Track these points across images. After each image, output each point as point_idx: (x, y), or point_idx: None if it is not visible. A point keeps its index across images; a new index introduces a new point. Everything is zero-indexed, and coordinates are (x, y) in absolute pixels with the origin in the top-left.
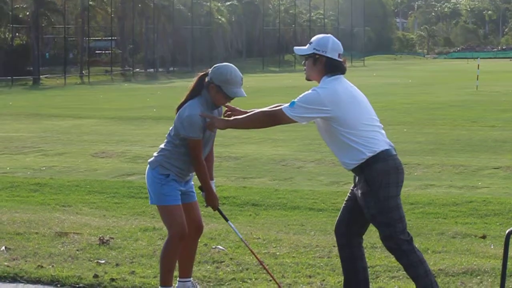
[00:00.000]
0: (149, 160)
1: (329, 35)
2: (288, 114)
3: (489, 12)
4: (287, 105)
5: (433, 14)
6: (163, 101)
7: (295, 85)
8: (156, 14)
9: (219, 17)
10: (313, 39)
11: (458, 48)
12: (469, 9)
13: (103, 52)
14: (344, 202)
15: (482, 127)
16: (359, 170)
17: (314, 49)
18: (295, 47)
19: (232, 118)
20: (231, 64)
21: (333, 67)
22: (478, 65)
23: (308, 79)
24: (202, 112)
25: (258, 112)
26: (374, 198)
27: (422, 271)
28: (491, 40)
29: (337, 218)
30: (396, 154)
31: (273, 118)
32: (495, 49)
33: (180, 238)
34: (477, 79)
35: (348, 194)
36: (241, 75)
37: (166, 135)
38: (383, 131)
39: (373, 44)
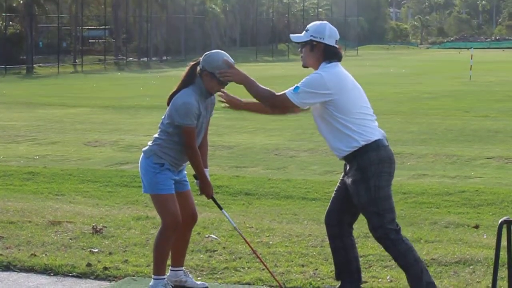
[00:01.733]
0: (143, 149)
1: (325, 22)
2: (292, 100)
3: (483, 2)
4: (291, 89)
5: (426, 4)
6: (156, 90)
7: (288, 74)
8: (150, 3)
9: (213, 6)
10: (309, 26)
11: (452, 38)
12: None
13: (97, 41)
14: (334, 192)
15: (475, 117)
16: (351, 158)
17: (311, 36)
18: (291, 35)
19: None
20: (221, 50)
21: (331, 54)
22: (472, 55)
23: (305, 66)
24: (196, 99)
25: (268, 90)
26: (365, 187)
27: (411, 259)
28: (484, 30)
29: (327, 208)
30: (389, 145)
31: (278, 99)
32: (488, 39)
33: (173, 228)
34: (471, 69)
35: (338, 183)
36: (232, 60)
37: (159, 125)
38: (376, 122)
39: (366, 33)
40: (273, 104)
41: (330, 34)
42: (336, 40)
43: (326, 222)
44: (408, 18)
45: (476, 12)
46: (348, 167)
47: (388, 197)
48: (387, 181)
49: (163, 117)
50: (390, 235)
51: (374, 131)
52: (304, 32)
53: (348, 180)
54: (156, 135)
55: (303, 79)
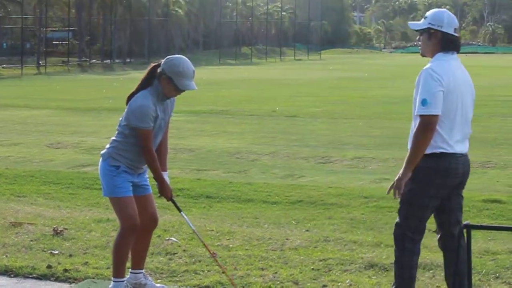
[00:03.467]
0: (101, 152)
1: (444, 9)
2: (432, 113)
3: (447, 6)
4: (420, 107)
5: (390, 8)
6: (119, 92)
7: (251, 78)
8: (114, 5)
9: (177, 9)
10: (428, 13)
11: (415, 43)
12: (426, 4)
13: (60, 42)
14: None
15: None
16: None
17: (429, 23)
18: (410, 22)
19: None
20: (183, 57)
21: (448, 42)
22: None
23: (423, 54)
24: (153, 102)
25: (415, 135)
26: (410, 186)
27: (406, 275)
28: None
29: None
30: (461, 157)
31: (427, 126)
32: None
33: (132, 231)
34: None
35: None
36: (193, 68)
37: (117, 126)
38: (461, 132)
39: (330, 37)
40: (429, 134)
41: (448, 21)
42: (455, 28)
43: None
44: (371, 22)
45: None
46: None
47: (422, 207)
48: (431, 191)
49: (120, 118)
50: (405, 241)
51: (448, 142)
52: (422, 19)
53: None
54: (113, 137)
55: (422, 89)
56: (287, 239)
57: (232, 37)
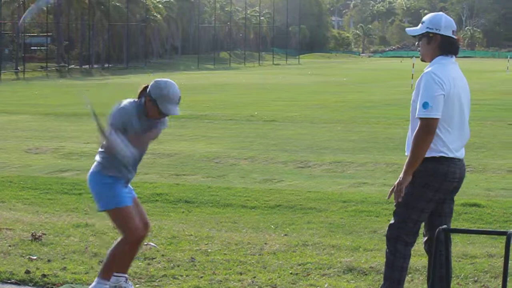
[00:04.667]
0: (92, 168)
1: (441, 12)
2: (433, 117)
3: (425, 11)
4: (421, 110)
5: (368, 12)
6: (97, 98)
7: (229, 82)
8: (92, 10)
9: (155, 14)
10: (425, 18)
11: (394, 47)
12: (405, 8)
13: (39, 48)
14: None
15: None
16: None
17: (427, 27)
18: (407, 28)
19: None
20: (171, 81)
21: (448, 45)
22: (414, 64)
23: (422, 59)
24: (136, 113)
25: (415, 139)
26: (410, 187)
27: (396, 277)
28: None
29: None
30: (458, 161)
31: (426, 131)
32: None
33: (137, 243)
34: (412, 78)
35: None
36: (179, 93)
37: None
38: (458, 134)
39: (308, 42)
40: (429, 137)
41: (446, 24)
42: (453, 31)
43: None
44: (350, 27)
45: (418, 21)
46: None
47: (421, 211)
48: (429, 195)
49: None
50: (398, 243)
51: (448, 146)
52: (420, 24)
53: None
54: (100, 149)
55: (423, 91)
56: (265, 243)
57: (210, 42)
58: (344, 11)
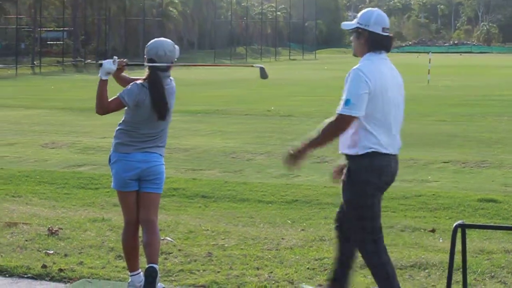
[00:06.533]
0: (158, 152)
1: (375, 8)
2: (352, 115)
3: (442, 6)
4: (343, 107)
5: (385, 8)
6: (114, 93)
7: (246, 77)
8: (109, 5)
9: (171, 9)
10: (359, 13)
11: (410, 43)
12: (421, 3)
13: (55, 42)
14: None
15: (433, 121)
16: (348, 157)
17: (358, 23)
18: (343, 23)
19: (306, 141)
20: (162, 39)
21: (375, 42)
22: (430, 59)
23: (355, 54)
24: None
25: (327, 128)
26: (351, 190)
27: (383, 275)
28: (443, 35)
29: (337, 210)
30: (392, 156)
31: (340, 125)
32: (447, 44)
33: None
34: (429, 74)
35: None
36: (176, 48)
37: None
38: (390, 131)
39: (324, 37)
40: (341, 132)
41: (376, 21)
42: (383, 28)
43: (335, 223)
44: None
45: (435, 17)
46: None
47: (372, 206)
48: (374, 190)
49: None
50: (366, 246)
51: (379, 142)
52: (355, 19)
53: (343, 176)
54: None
55: (348, 87)
56: (282, 238)
57: (227, 37)
58: (360, 6)
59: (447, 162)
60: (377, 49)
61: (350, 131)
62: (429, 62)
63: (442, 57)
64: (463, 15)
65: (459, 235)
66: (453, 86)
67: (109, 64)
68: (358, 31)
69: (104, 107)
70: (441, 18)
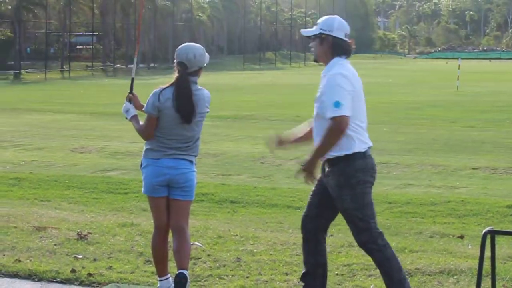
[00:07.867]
0: (188, 158)
1: (335, 16)
2: (346, 114)
3: (471, 12)
4: (333, 110)
5: (414, 14)
6: (143, 98)
7: (275, 82)
8: (138, 10)
9: (200, 14)
10: (319, 20)
11: (439, 48)
12: (450, 9)
13: (84, 47)
14: (310, 196)
15: (461, 128)
16: (336, 161)
17: (320, 29)
18: (302, 30)
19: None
20: (193, 44)
21: (338, 47)
22: (459, 65)
23: (315, 60)
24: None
25: (329, 137)
26: (351, 193)
27: (396, 265)
28: (472, 41)
29: (304, 212)
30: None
31: (337, 127)
32: (476, 50)
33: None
34: (458, 80)
35: (314, 186)
36: (202, 48)
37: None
38: (366, 131)
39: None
40: (342, 134)
41: (339, 27)
42: (345, 33)
43: (302, 226)
44: (395, 28)
45: (464, 23)
46: (328, 169)
47: (371, 203)
48: (370, 188)
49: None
50: (377, 240)
51: (367, 139)
52: (314, 26)
53: (331, 183)
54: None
55: (331, 91)
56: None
57: (256, 42)
58: (389, 12)
59: (476, 169)
60: (342, 53)
61: None
62: (458, 68)
63: (472, 63)
64: (492, 21)
65: (488, 241)
66: (482, 92)
67: (124, 105)
68: (322, 37)
69: (146, 135)
70: (470, 24)
